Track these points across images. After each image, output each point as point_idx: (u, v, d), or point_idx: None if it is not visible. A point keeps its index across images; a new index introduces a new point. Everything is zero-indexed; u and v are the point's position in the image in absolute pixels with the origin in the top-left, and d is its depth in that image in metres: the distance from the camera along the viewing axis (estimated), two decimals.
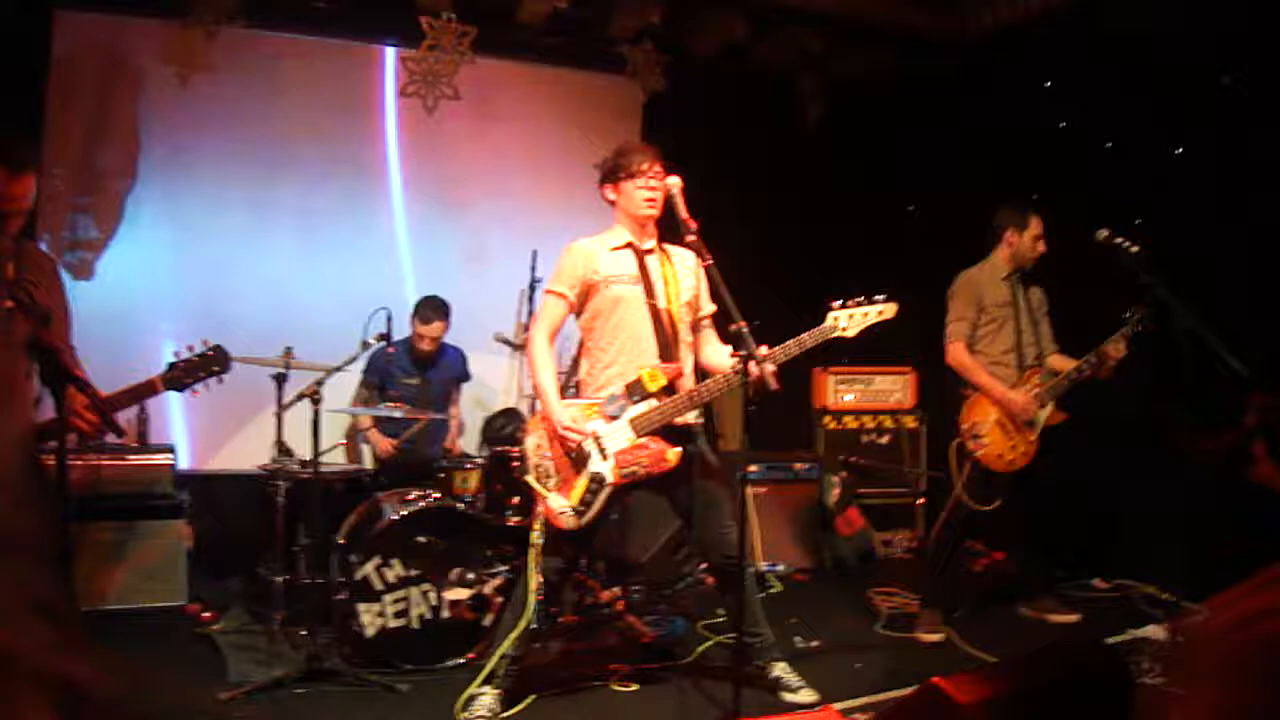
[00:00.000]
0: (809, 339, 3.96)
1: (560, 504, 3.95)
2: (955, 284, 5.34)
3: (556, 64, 7.23)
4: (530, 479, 4.05)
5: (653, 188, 4.03)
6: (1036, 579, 5.48)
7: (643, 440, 3.95)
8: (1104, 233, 4.75)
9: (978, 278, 5.30)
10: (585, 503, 3.94)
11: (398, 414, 5.34)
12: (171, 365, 3.60)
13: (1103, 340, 5.09)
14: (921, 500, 7.06)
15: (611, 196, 4.16)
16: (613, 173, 4.13)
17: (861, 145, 7.31)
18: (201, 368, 3.63)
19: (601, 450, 3.96)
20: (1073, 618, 5.33)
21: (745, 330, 3.47)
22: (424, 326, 5.84)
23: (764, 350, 3.66)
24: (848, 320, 3.99)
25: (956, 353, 5.21)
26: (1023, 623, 5.34)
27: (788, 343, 3.93)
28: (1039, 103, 6.57)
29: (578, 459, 3.98)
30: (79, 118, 6.12)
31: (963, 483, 5.05)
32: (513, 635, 3.98)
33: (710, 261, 3.73)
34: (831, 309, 4.00)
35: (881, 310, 4.01)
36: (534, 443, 4.09)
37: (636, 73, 7.22)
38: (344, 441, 6.24)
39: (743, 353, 3.48)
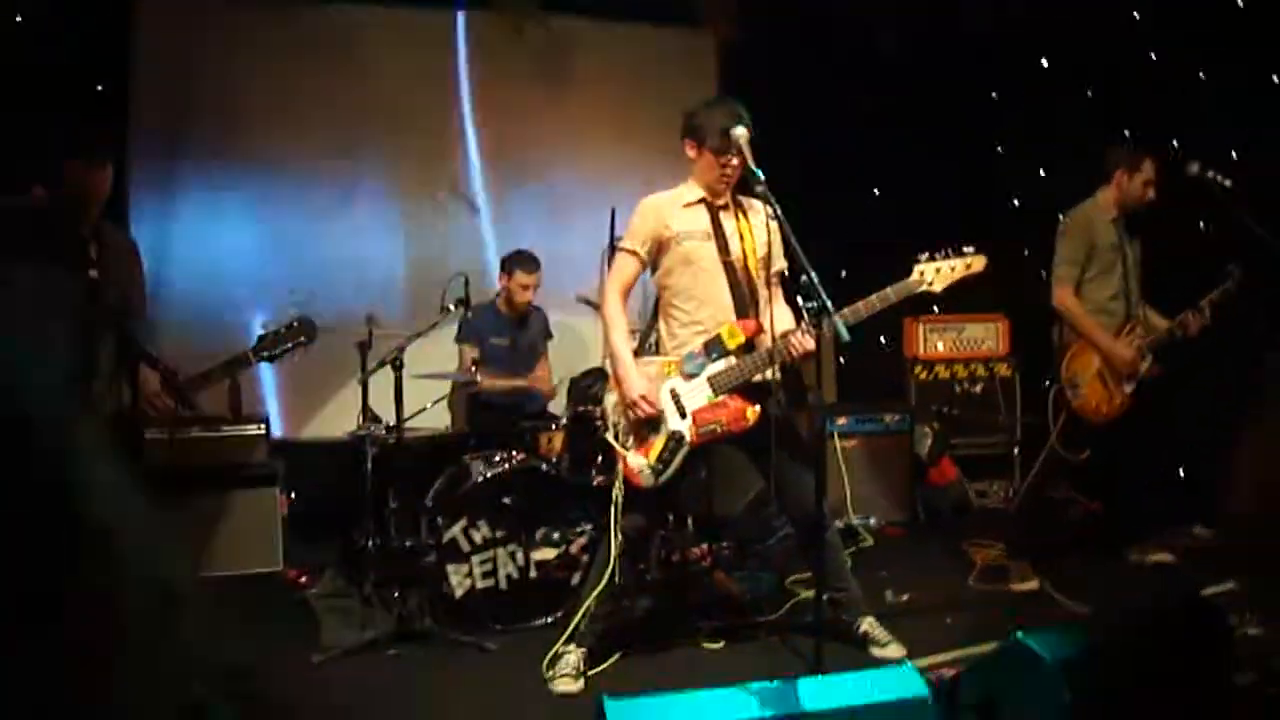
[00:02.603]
0: (893, 294, 3.87)
1: (639, 462, 3.93)
2: (1065, 222, 5.11)
3: (627, 19, 7.16)
4: (609, 437, 4.04)
5: (736, 163, 3.88)
6: (1134, 526, 5.34)
7: (721, 398, 3.91)
8: (1195, 166, 4.55)
9: (1091, 216, 5.05)
10: (664, 461, 3.91)
11: (477, 379, 5.35)
12: (261, 338, 3.69)
13: (1199, 298, 4.95)
14: (1016, 449, 6.90)
15: (691, 154, 4.06)
16: (698, 133, 4.00)
17: (945, 88, 7.11)
18: (289, 338, 3.71)
19: (680, 409, 3.93)
20: (1167, 557, 5.24)
21: (817, 283, 3.39)
22: (527, 276, 5.77)
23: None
24: (934, 274, 3.89)
25: (1064, 298, 4.99)
26: (1119, 572, 5.20)
27: (871, 297, 3.84)
28: (1130, 37, 6.31)
29: (655, 418, 3.95)
30: (162, 100, 6.26)
31: (1058, 432, 4.93)
32: (594, 593, 4.00)
33: (779, 212, 3.62)
34: (918, 262, 3.90)
35: (970, 263, 3.91)
36: (613, 401, 4.07)
37: (710, 23, 7.11)
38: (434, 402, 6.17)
39: (813, 304, 3.40)
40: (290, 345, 3.74)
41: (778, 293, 4.18)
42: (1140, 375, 4.95)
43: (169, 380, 3.36)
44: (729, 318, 3.97)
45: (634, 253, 4.06)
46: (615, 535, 3.97)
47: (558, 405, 6.31)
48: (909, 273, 3.91)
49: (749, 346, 3.94)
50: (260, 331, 3.78)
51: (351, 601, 4.93)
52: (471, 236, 6.84)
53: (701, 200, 4.06)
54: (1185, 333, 4.97)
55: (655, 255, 4.07)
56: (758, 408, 3.90)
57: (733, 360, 3.91)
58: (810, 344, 3.74)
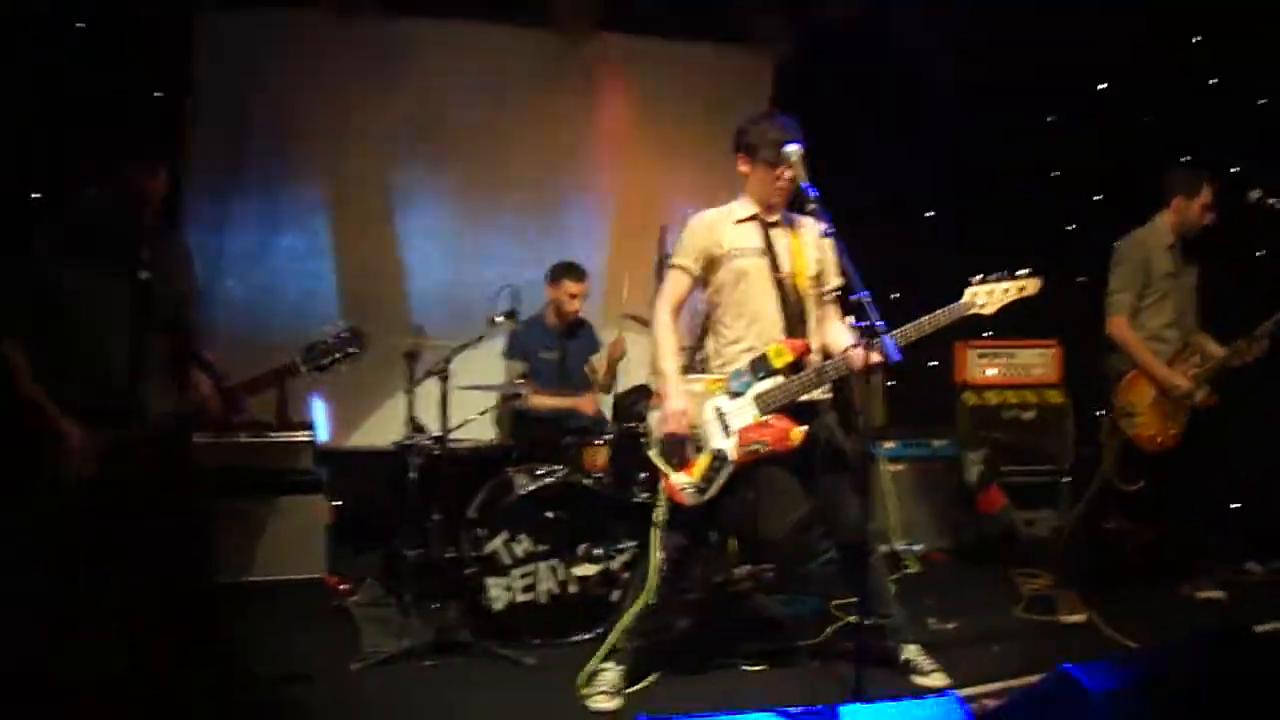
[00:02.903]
0: (943, 316, 3.81)
1: (682, 480, 3.89)
2: (1120, 250, 5.05)
3: (683, 36, 7.16)
4: (653, 454, 4.01)
5: (789, 178, 3.86)
6: (1187, 558, 5.23)
7: (766, 418, 3.86)
8: (1256, 193, 4.47)
9: (1147, 244, 4.99)
10: (707, 479, 3.87)
11: (523, 390, 5.35)
12: (309, 347, 3.70)
13: (1252, 328, 4.85)
14: (1067, 478, 6.77)
15: (744, 169, 4.03)
16: (751, 149, 3.98)
17: (1001, 110, 7.01)
18: (338, 348, 3.72)
19: (725, 427, 3.89)
20: (1217, 594, 5.12)
21: (868, 302, 3.35)
22: (575, 285, 5.73)
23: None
24: (986, 297, 3.84)
25: (1118, 327, 4.94)
26: (1170, 605, 5.08)
27: (920, 320, 3.79)
28: (1189, 62, 6.21)
29: (701, 436, 3.91)
30: (221, 108, 6.35)
31: (1112, 461, 4.85)
32: (634, 611, 3.96)
33: (832, 230, 3.58)
34: (970, 284, 3.85)
35: (1023, 286, 3.85)
36: (656, 417, 4.03)
37: (765, 41, 7.09)
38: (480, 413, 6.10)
39: (864, 324, 3.36)
40: (339, 356, 3.73)
41: (834, 311, 4.13)
42: (1196, 404, 4.85)
43: (218, 385, 3.38)
44: (778, 336, 3.92)
45: (686, 269, 4.03)
46: (657, 553, 3.93)
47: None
48: (961, 295, 3.86)
49: (797, 366, 3.88)
50: (310, 340, 3.78)
51: (391, 611, 4.94)
52: (521, 252, 6.84)
53: (754, 217, 4.03)
54: (1241, 360, 4.88)
55: (706, 271, 4.04)
56: (803, 428, 3.84)
57: (780, 379, 3.86)
58: (875, 357, 3.61)
